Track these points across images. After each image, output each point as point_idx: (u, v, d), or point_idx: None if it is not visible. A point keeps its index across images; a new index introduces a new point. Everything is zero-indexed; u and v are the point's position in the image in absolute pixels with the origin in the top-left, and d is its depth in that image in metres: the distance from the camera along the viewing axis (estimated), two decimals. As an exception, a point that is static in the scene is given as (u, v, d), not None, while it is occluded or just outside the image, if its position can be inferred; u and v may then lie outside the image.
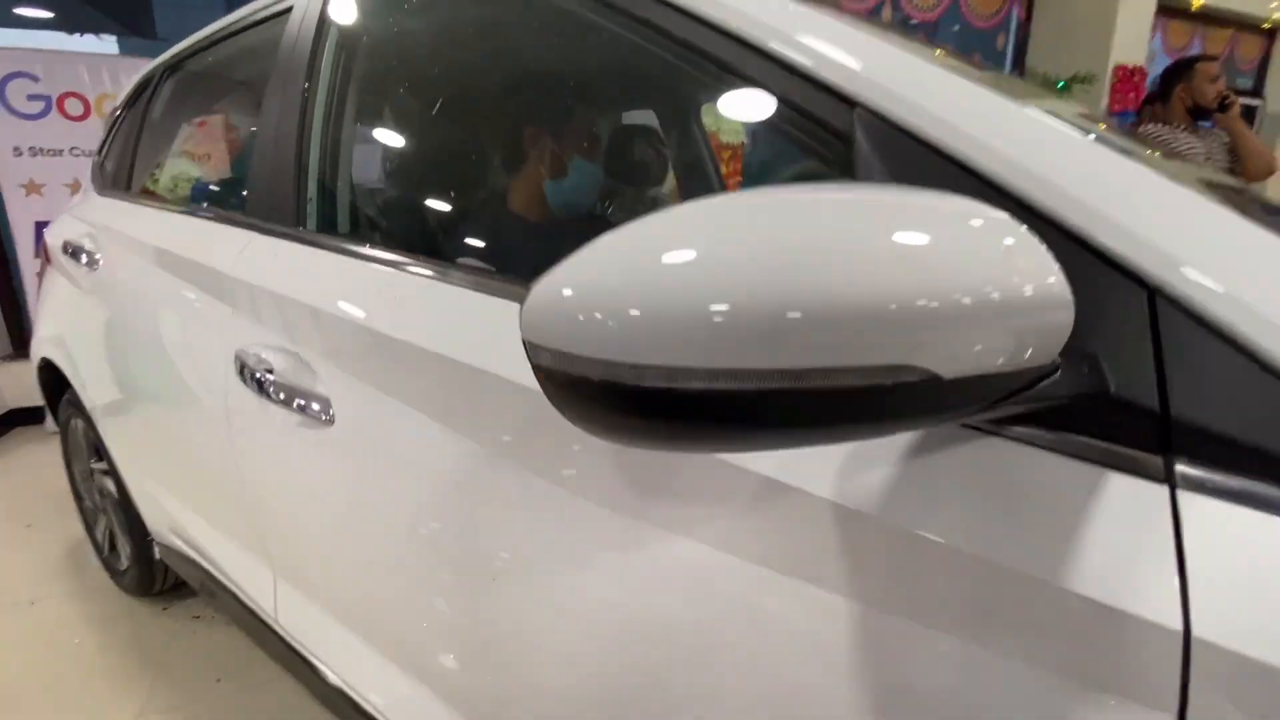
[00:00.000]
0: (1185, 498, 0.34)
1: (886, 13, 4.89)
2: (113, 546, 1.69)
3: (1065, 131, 0.43)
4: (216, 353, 0.94)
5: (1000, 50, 5.50)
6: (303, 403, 0.79)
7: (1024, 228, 0.30)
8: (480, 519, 0.65)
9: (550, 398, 0.30)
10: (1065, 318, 0.31)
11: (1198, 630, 0.32)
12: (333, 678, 0.91)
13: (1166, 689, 0.32)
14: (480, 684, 0.71)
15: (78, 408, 1.55)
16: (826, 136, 0.48)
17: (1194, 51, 6.26)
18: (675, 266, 0.27)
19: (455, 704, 0.73)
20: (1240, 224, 0.38)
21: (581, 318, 0.27)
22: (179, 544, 1.33)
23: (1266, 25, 6.57)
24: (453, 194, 1.08)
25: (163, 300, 1.10)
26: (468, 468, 0.64)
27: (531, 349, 0.30)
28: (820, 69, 0.49)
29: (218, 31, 1.27)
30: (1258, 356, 0.33)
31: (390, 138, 1.15)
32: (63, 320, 1.46)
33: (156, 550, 1.46)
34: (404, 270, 0.75)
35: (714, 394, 0.27)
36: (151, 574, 1.56)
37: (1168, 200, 0.39)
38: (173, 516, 1.27)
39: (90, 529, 1.78)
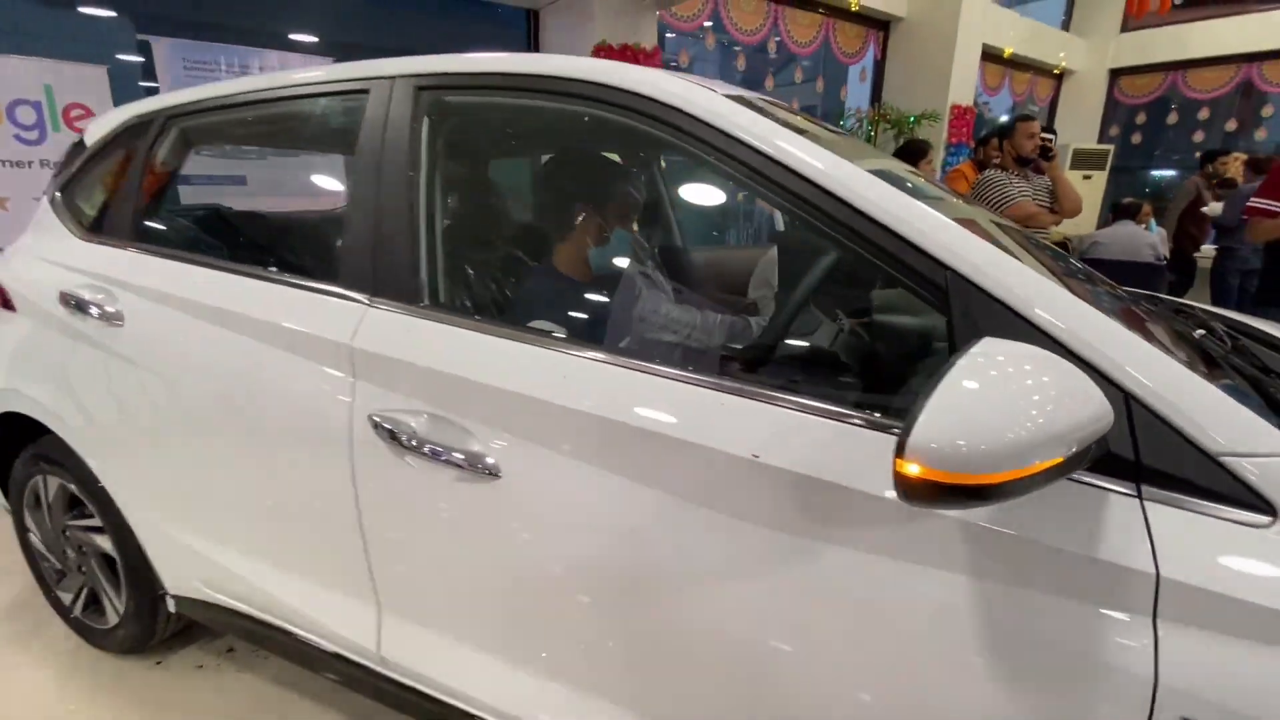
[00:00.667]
0: (1149, 505, 0.64)
1: (771, 45, 5.41)
2: (88, 605, 1.60)
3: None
4: (334, 416, 1.02)
5: (861, 82, 6.26)
6: (462, 460, 0.92)
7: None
8: (645, 543, 0.84)
9: (905, 490, 0.54)
10: (1109, 423, 0.59)
11: (1164, 571, 0.61)
12: (460, 704, 1.04)
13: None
14: (642, 692, 0.90)
15: (59, 465, 1.47)
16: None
17: (1004, 89, 7.48)
18: (1027, 417, 0.52)
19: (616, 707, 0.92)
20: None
21: (965, 452, 0.52)
22: (212, 595, 1.34)
23: (1057, 71, 8.00)
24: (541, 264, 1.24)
25: (239, 364, 1.13)
26: (631, 506, 0.84)
27: (908, 466, 0.53)
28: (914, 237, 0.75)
29: (249, 93, 1.30)
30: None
31: (488, 219, 1.27)
32: (55, 374, 1.38)
33: (171, 604, 1.44)
34: (555, 348, 0.91)
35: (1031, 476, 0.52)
36: (152, 629, 1.52)
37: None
38: (217, 567, 1.29)
39: (51, 590, 1.66)
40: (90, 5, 3.95)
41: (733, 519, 0.79)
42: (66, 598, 1.63)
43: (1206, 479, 0.65)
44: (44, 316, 1.39)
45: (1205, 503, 0.64)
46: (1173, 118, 7.92)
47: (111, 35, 4.06)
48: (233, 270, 1.21)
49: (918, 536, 0.71)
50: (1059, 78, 8.10)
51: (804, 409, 0.77)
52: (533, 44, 4.65)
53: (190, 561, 1.35)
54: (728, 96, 0.92)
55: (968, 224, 0.80)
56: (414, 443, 0.95)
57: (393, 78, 1.11)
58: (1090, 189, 6.44)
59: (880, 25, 5.92)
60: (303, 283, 1.13)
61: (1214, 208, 4.52)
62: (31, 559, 1.68)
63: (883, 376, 0.94)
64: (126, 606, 1.50)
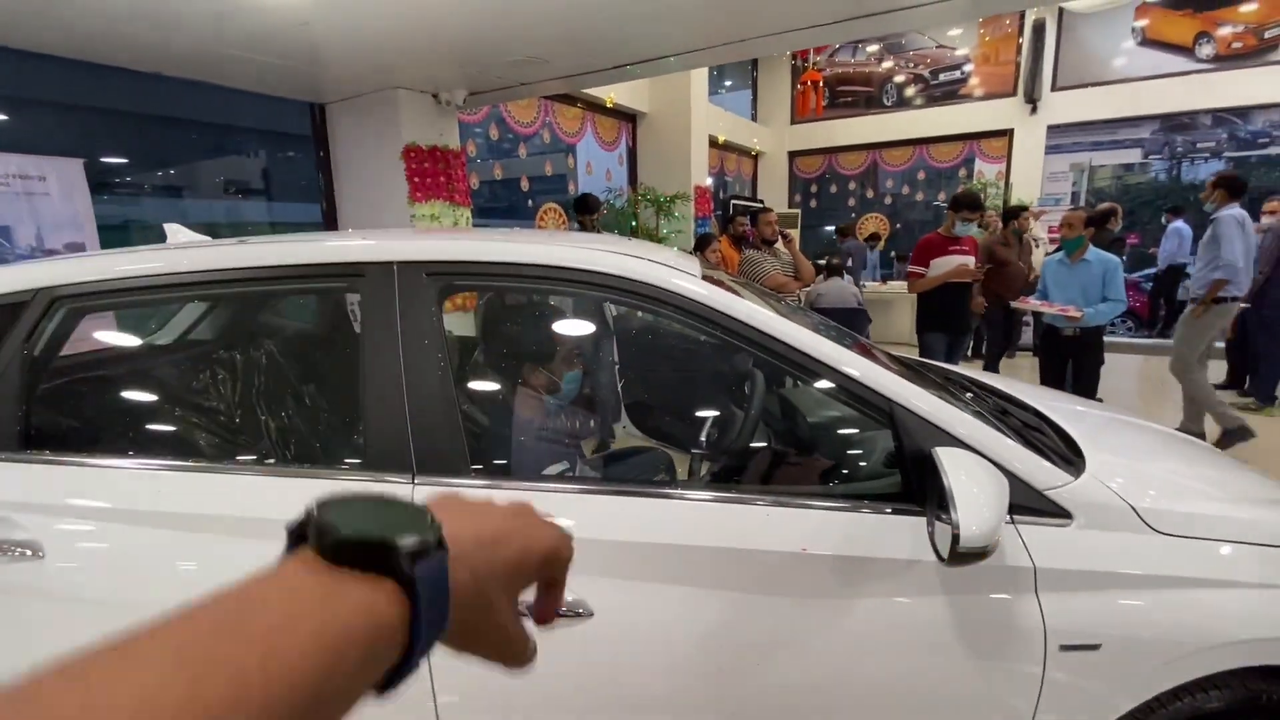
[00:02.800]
0: (1020, 526, 1.11)
1: (545, 135, 5.89)
2: None
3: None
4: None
5: (620, 165, 7.12)
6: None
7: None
8: (724, 629, 1.08)
9: (951, 559, 0.89)
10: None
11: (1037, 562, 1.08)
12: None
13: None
14: None
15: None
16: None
17: (721, 167, 9.10)
18: (998, 506, 0.90)
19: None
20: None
21: (986, 536, 0.89)
22: None
23: (754, 153, 10.00)
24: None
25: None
26: (722, 608, 1.08)
27: (960, 548, 0.88)
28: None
29: (176, 273, 1.21)
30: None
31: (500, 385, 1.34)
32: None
33: None
34: (620, 494, 1.11)
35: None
36: None
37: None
38: None
39: None
40: None
41: (789, 597, 1.08)
42: None
43: (1039, 504, 1.13)
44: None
45: (1043, 518, 1.13)
46: (833, 188, 10.50)
47: None
48: (211, 469, 1.12)
49: (915, 578, 1.08)
50: (755, 158, 10.15)
51: (827, 508, 1.11)
52: (319, 139, 4.41)
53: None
54: (706, 280, 1.23)
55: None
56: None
57: (392, 263, 1.19)
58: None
59: (629, 118, 6.88)
60: (315, 471, 1.12)
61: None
62: None
63: (854, 474, 1.32)
64: None
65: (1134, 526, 1.13)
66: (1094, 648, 1.09)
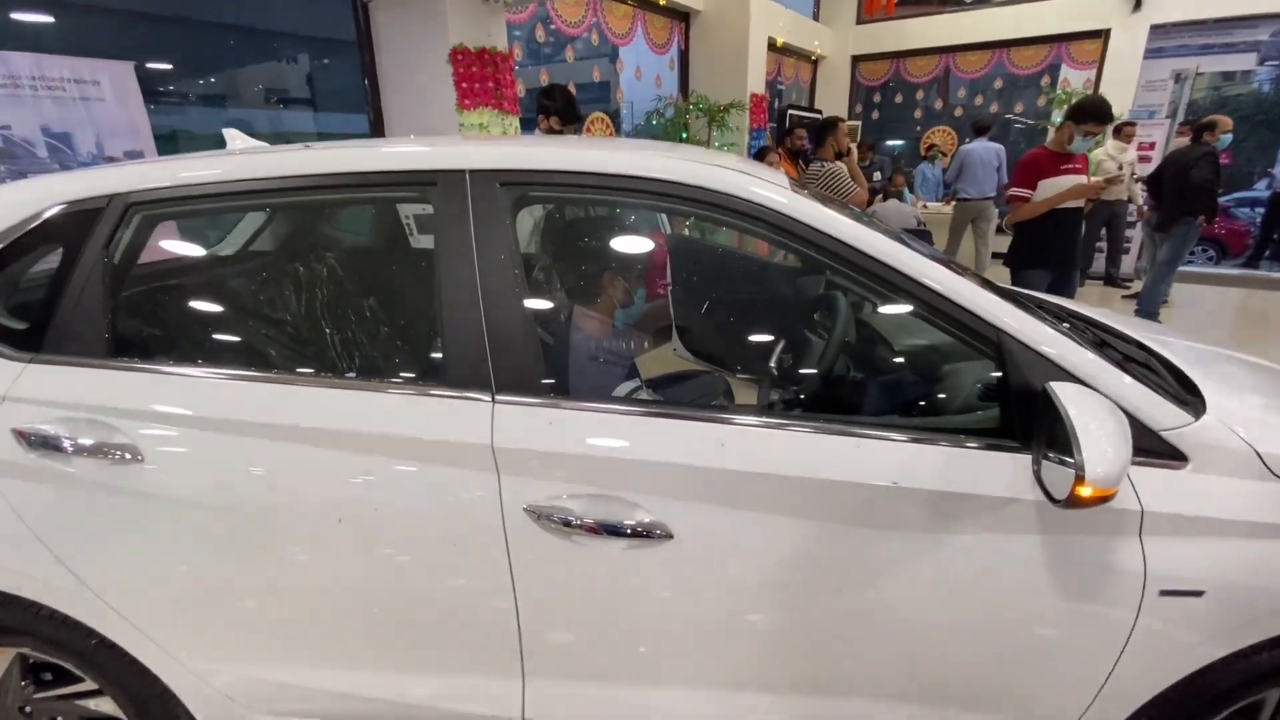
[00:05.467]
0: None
1: (594, 36, 5.54)
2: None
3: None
4: (482, 515, 1.06)
5: (671, 70, 6.70)
6: (634, 529, 1.05)
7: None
8: (810, 561, 1.07)
9: (1069, 502, 0.83)
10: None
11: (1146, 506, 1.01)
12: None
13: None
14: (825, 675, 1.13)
15: (21, 633, 1.21)
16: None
17: (778, 73, 8.50)
18: (1123, 449, 0.85)
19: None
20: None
21: (1113, 478, 0.84)
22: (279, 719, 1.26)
23: (813, 57, 9.26)
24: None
25: (338, 482, 1.08)
26: (796, 537, 1.06)
27: (1083, 490, 0.82)
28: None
29: (257, 179, 1.17)
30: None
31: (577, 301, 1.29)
32: (21, 533, 1.13)
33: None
34: (701, 419, 1.07)
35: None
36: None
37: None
38: (292, 689, 1.22)
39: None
40: None
41: (877, 530, 1.05)
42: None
43: (1153, 445, 1.05)
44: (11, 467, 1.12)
45: (1155, 460, 1.05)
46: (898, 98, 9.71)
47: None
48: (299, 381, 1.12)
49: (1011, 517, 1.03)
50: (815, 64, 9.41)
51: (921, 442, 1.05)
52: (364, 43, 4.23)
53: (252, 692, 1.24)
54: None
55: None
56: (579, 522, 1.04)
57: (464, 171, 1.12)
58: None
59: (682, 17, 6.38)
60: (396, 389, 1.11)
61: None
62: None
63: (941, 409, 1.24)
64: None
65: (1257, 473, 1.05)
66: (1196, 594, 1.04)
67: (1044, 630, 1.08)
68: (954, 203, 6.69)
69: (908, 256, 1.07)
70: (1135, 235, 6.79)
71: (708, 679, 1.18)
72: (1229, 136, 5.13)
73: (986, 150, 6.54)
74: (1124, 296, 6.28)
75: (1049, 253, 3.32)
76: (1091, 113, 3.10)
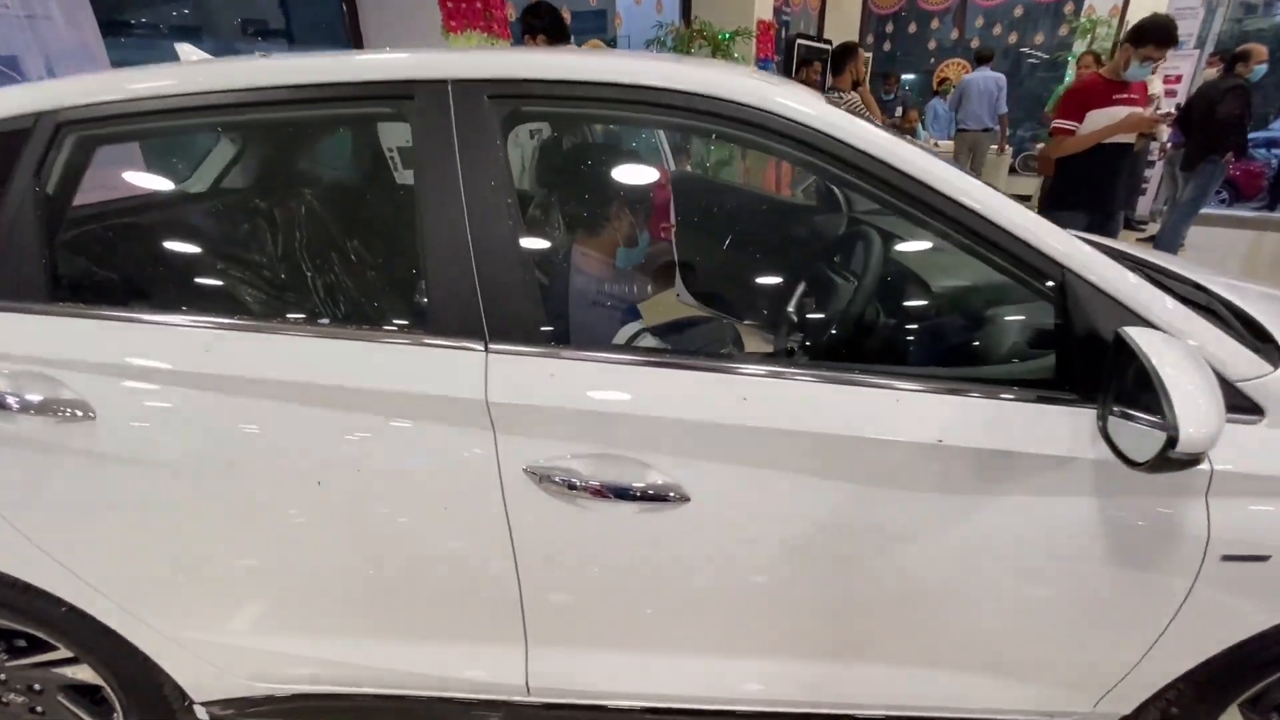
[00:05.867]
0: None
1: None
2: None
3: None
4: (478, 477, 0.95)
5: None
6: (645, 492, 0.94)
7: None
8: (840, 525, 0.97)
9: (1153, 466, 0.73)
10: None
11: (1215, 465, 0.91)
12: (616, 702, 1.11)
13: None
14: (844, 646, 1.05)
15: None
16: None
17: (781, 1, 7.99)
18: (1216, 408, 0.74)
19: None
20: None
21: (1208, 441, 0.72)
22: (269, 687, 1.20)
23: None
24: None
25: (316, 439, 0.97)
26: (826, 499, 0.96)
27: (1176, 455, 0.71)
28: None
29: (202, 93, 1.00)
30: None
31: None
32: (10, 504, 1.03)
33: (202, 712, 1.25)
34: (718, 370, 0.95)
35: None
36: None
37: None
38: (278, 657, 1.15)
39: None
40: None
41: (917, 492, 0.95)
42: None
43: (1229, 399, 0.94)
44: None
45: (1229, 414, 0.94)
46: (911, 27, 9.19)
47: None
48: (268, 329, 0.99)
49: (1067, 477, 0.93)
50: (826, -12, 8.85)
51: (969, 395, 0.93)
52: None
53: (233, 660, 1.17)
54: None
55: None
56: (584, 484, 0.94)
57: (446, 81, 0.96)
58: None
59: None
60: (379, 338, 0.98)
61: None
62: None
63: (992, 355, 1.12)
64: (128, 733, 1.26)
65: (1340, 428, 0.94)
66: (1261, 559, 0.95)
67: (1091, 597, 0.99)
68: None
69: (965, 182, 0.93)
70: (1153, 175, 6.54)
71: (725, 648, 1.10)
72: (1263, 68, 4.84)
73: (986, 80, 6.29)
74: (1139, 240, 6.09)
75: (1091, 193, 2.96)
76: (1152, 34, 2.70)
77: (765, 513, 0.97)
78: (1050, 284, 0.93)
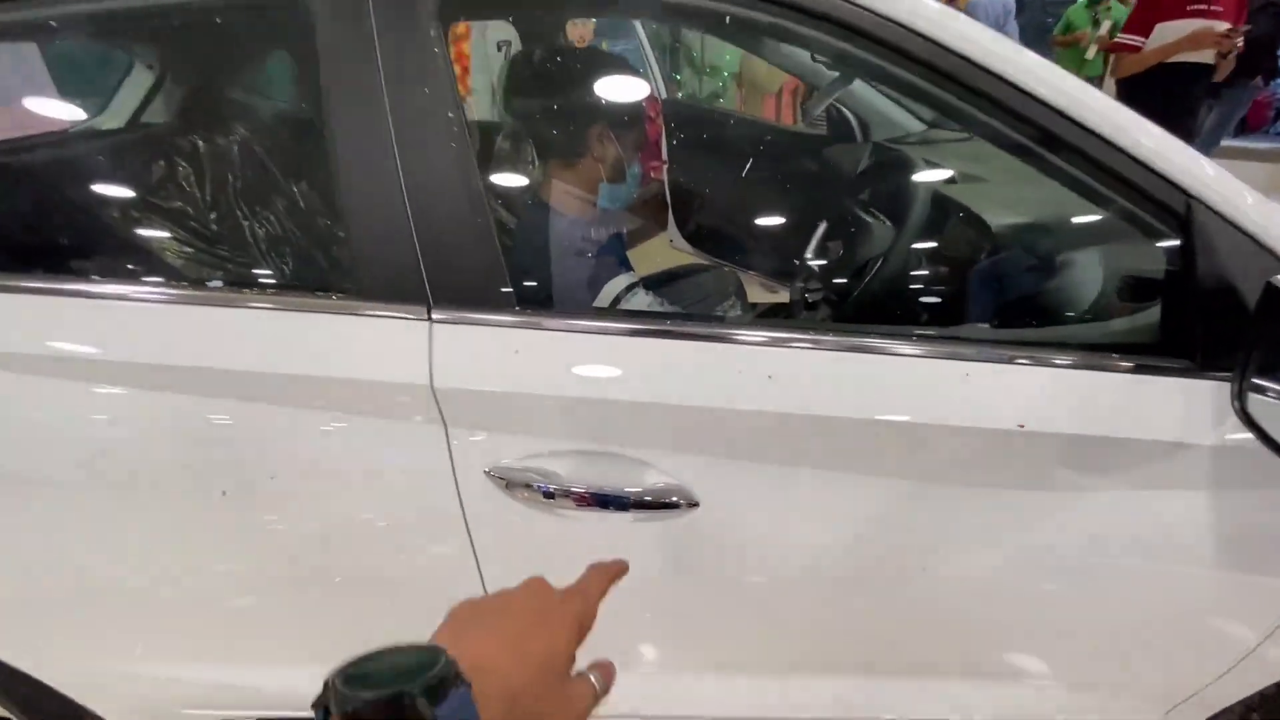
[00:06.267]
0: None
1: None
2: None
3: None
4: (427, 485, 0.75)
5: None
6: (642, 498, 0.74)
7: None
8: (909, 538, 0.78)
9: None
10: None
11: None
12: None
13: None
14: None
15: None
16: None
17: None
18: None
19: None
20: None
21: None
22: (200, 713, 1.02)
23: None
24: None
25: (207, 437, 0.75)
26: (890, 505, 0.76)
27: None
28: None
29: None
30: None
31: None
32: None
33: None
34: (732, 339, 0.73)
35: None
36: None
37: None
38: (197, 686, 0.97)
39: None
40: None
41: (995, 489, 0.75)
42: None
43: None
44: None
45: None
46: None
47: None
48: (123, 295, 0.75)
49: (1176, 468, 0.73)
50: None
51: (1043, 363, 0.72)
52: None
53: (153, 691, 0.98)
54: None
55: None
56: (565, 490, 0.73)
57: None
58: None
59: None
60: (284, 303, 0.74)
61: None
62: None
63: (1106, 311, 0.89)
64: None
65: None
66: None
67: (1190, 604, 0.82)
68: None
69: (1064, 81, 0.69)
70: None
71: (746, 665, 0.93)
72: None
73: (993, 3, 5.85)
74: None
75: (1161, 116, 2.67)
76: None
77: (794, 520, 0.77)
78: (1165, 219, 0.71)
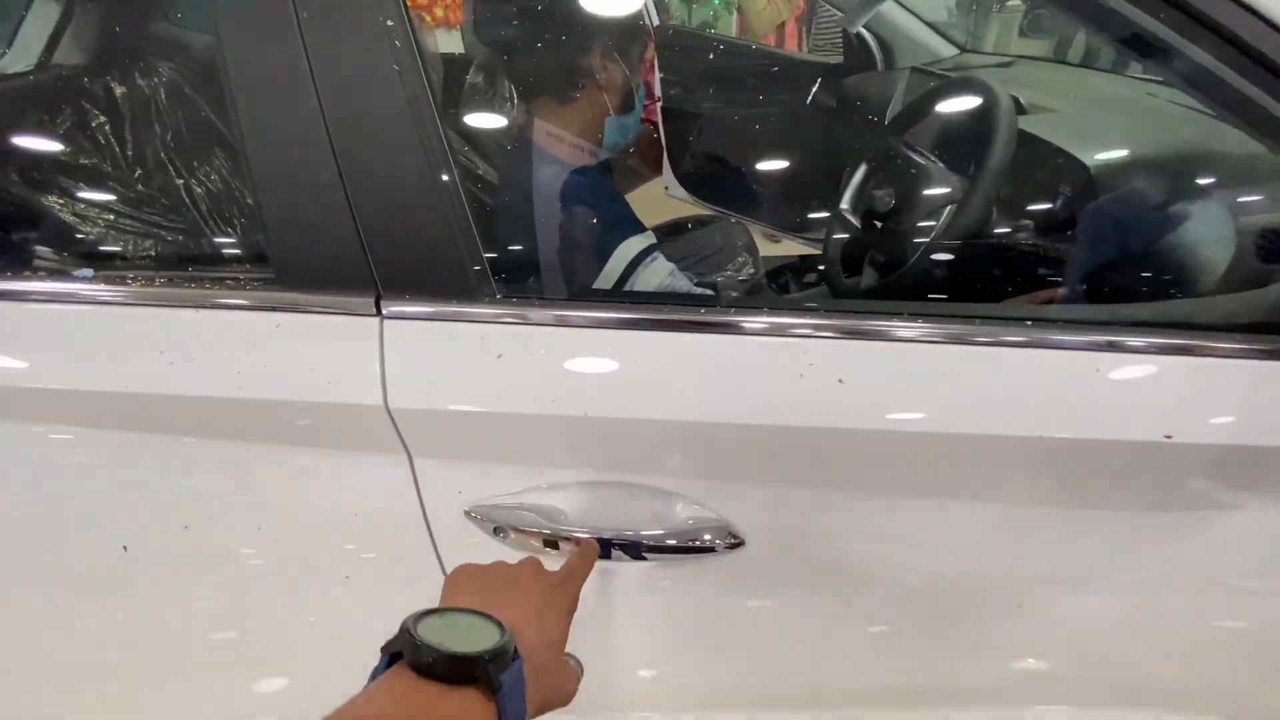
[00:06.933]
0: None
1: None
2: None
3: None
4: (382, 523, 0.58)
5: None
6: (668, 540, 0.57)
7: None
8: (1015, 570, 0.62)
9: None
10: None
11: None
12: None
13: None
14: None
15: None
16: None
17: None
18: None
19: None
20: None
21: None
22: None
23: None
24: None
25: (103, 479, 0.57)
26: (981, 535, 0.60)
27: None
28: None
29: None
30: None
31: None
32: None
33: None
34: (783, 333, 0.55)
35: None
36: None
37: None
38: None
39: None
40: None
41: (1125, 513, 0.59)
42: None
43: None
44: None
45: None
46: None
47: None
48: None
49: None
50: None
51: (1195, 352, 0.55)
52: None
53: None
54: None
55: None
56: (570, 534, 0.56)
57: None
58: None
59: None
60: (199, 301, 0.55)
61: None
62: None
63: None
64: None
65: None
66: None
67: None
68: None
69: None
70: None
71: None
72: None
73: None
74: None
75: None
76: None
77: (867, 554, 0.61)
78: None
